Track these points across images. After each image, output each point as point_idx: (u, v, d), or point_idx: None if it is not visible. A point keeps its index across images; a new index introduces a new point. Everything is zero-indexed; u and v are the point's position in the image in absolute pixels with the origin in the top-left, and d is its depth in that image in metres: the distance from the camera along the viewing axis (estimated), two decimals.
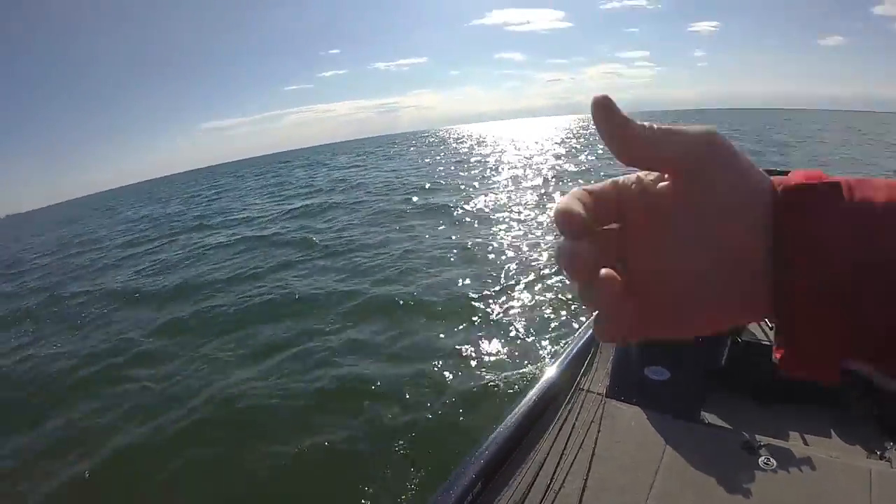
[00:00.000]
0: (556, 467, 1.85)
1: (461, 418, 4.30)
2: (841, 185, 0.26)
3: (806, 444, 1.91)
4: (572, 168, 23.29)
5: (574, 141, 46.29)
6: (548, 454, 1.92)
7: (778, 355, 0.29)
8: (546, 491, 1.74)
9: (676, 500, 1.65)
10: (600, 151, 27.74)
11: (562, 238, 0.27)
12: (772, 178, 0.27)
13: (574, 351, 2.63)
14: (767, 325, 2.30)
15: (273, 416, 4.82)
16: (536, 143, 47.78)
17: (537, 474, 1.83)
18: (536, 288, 7.29)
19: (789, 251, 0.26)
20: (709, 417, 2.23)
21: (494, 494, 1.79)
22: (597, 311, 0.28)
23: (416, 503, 3.36)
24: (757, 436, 1.89)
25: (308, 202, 20.01)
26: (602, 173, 21.99)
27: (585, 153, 30.72)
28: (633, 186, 0.29)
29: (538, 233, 11.02)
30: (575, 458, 1.88)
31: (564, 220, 0.27)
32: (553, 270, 7.98)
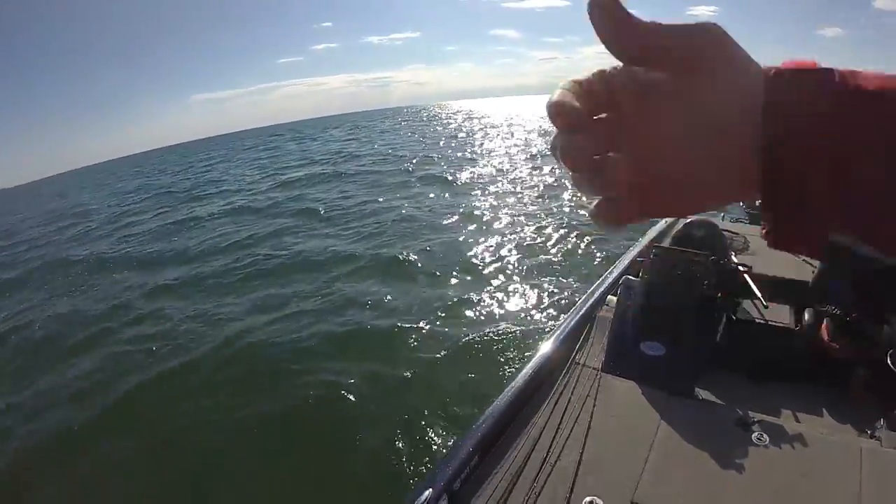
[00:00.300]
0: (552, 441, 1.87)
1: (459, 375, 4.50)
2: (833, 71, 0.27)
3: (798, 421, 1.91)
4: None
5: None
6: (544, 428, 1.95)
7: (764, 232, 0.30)
8: (542, 464, 1.77)
9: (670, 473, 1.68)
10: None
11: (556, 132, 0.28)
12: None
13: (570, 325, 2.65)
14: (762, 303, 2.35)
15: (275, 362, 5.09)
16: (530, 119, 48.10)
17: (533, 448, 1.86)
18: (535, 252, 7.54)
19: (778, 128, 0.26)
20: (703, 394, 2.22)
21: (491, 467, 1.82)
22: (599, 198, 0.30)
23: (412, 453, 3.55)
24: (750, 412, 1.91)
25: (305, 173, 20.08)
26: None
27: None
28: (621, 75, 0.29)
29: (534, 200, 11.33)
30: (571, 432, 1.91)
31: (558, 113, 0.27)
32: (551, 235, 8.18)
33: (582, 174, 0.29)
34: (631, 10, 0.26)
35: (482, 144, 25.79)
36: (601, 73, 0.29)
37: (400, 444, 3.68)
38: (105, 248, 12.31)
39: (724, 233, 3.22)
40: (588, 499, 1.61)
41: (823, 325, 2.30)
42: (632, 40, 0.27)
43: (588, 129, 0.28)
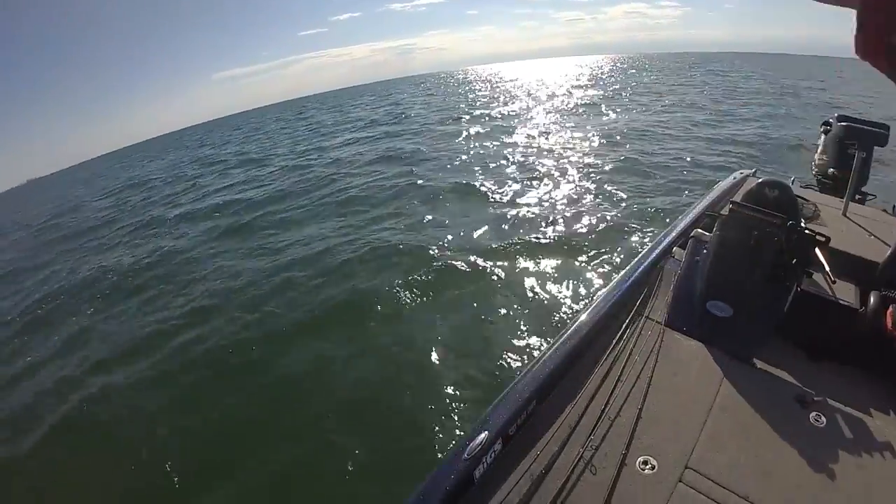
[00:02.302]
0: (611, 394, 1.84)
1: (514, 319, 4.70)
2: None
3: (855, 408, 1.82)
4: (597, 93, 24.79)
5: (603, 75, 46.95)
6: (604, 379, 1.92)
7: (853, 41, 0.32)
8: (600, 417, 1.75)
9: (726, 442, 1.64)
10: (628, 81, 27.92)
11: None
12: None
13: (635, 275, 2.56)
14: (831, 279, 2.20)
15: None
16: (563, 77, 47.97)
17: (592, 398, 1.83)
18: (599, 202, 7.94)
19: None
20: (759, 362, 2.15)
21: (548, 415, 1.79)
22: None
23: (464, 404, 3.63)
24: (809, 391, 1.86)
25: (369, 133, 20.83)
26: (627, 98, 22.42)
27: (613, 85, 32.13)
28: None
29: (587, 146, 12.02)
30: (632, 387, 1.88)
31: None
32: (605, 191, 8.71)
33: None
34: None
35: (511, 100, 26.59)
36: None
37: (460, 391, 3.78)
38: (164, 211, 13.70)
39: (797, 198, 3.04)
40: (643, 458, 1.60)
41: (889, 311, 2.19)
42: None
43: None
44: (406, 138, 17.26)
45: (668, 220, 6.46)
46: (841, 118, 4.20)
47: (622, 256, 5.74)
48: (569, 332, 2.14)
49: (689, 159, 10.28)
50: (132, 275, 8.11)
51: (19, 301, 8.47)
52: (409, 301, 5.30)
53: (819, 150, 4.42)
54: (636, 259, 2.76)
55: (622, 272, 2.64)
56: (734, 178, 4.08)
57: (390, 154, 14.00)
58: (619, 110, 19.27)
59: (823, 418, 1.73)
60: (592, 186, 8.78)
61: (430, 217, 7.92)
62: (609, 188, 8.54)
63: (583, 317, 2.24)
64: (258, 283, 6.39)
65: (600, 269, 5.55)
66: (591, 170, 9.97)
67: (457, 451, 1.58)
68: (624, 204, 7.69)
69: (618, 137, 13.22)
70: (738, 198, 2.86)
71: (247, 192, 12.87)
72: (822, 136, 4.40)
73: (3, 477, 3.94)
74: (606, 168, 9.94)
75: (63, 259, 10.82)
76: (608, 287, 2.51)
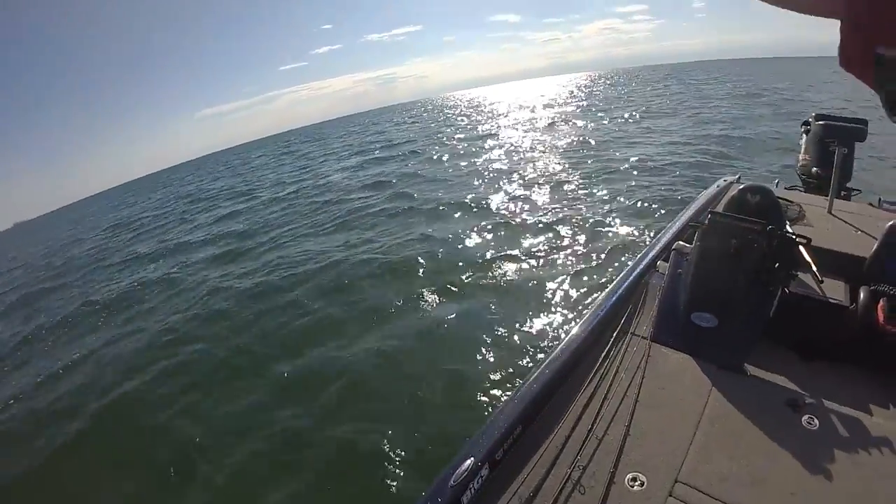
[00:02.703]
0: (598, 413, 1.82)
1: (501, 344, 4.56)
2: None
3: (850, 406, 1.81)
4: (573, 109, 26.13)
5: (577, 91, 49.29)
6: (590, 398, 1.90)
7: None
8: (587, 436, 1.73)
9: (716, 453, 1.62)
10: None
11: None
12: None
13: (620, 291, 2.54)
14: (818, 278, 2.20)
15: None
16: (539, 97, 49.70)
17: (579, 418, 1.81)
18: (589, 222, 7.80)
19: None
20: (751, 368, 2.12)
21: (535, 437, 1.77)
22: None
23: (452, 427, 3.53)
24: (801, 393, 1.85)
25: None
26: (599, 113, 23.55)
27: (585, 100, 34.42)
28: None
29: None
30: (619, 404, 1.86)
31: None
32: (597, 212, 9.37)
33: None
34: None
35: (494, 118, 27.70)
36: None
37: (437, 415, 3.72)
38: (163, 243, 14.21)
39: (780, 200, 3.02)
40: (631, 475, 1.58)
41: (879, 306, 2.19)
42: None
43: None
44: (391, 163, 17.95)
45: (642, 219, 7.01)
46: (819, 117, 4.19)
47: (602, 257, 6.02)
48: (554, 353, 2.15)
49: (650, 164, 11.04)
50: (112, 307, 8.47)
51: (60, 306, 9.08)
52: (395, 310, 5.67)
53: (802, 151, 4.43)
54: (621, 275, 2.76)
55: (607, 289, 2.64)
56: (718, 187, 4.09)
57: (380, 179, 14.52)
58: (591, 124, 20.38)
59: (817, 420, 1.72)
60: (569, 191, 9.57)
61: (422, 232, 8.40)
62: (582, 192, 9.29)
63: (568, 337, 2.26)
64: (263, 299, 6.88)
65: (578, 266, 5.89)
66: (563, 177, 10.76)
67: (442, 478, 1.57)
68: (602, 204, 8.31)
69: (583, 149, 14.27)
70: (721, 205, 2.92)
71: (237, 224, 13.27)
72: (804, 137, 4.41)
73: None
74: (576, 177, 10.72)
75: (59, 294, 11.20)
76: (593, 305, 2.51)
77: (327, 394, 4.23)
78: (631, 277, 2.67)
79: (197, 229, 14.39)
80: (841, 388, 2.06)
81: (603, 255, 6.09)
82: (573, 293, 5.26)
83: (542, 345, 4.37)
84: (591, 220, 7.48)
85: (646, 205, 7.81)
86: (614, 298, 2.50)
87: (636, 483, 1.56)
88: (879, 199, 4.05)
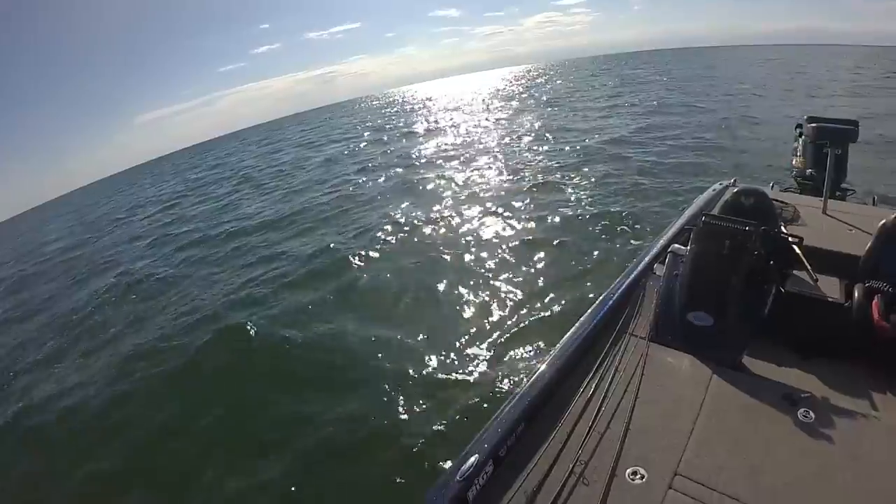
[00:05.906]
0: (599, 410, 1.86)
1: (502, 346, 4.57)
2: None
3: (845, 400, 1.85)
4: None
5: (515, 85, 50.70)
6: (591, 397, 1.94)
7: None
8: (588, 433, 1.77)
9: (714, 447, 1.65)
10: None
11: None
12: None
13: (618, 293, 2.59)
14: (812, 277, 2.26)
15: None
16: (477, 91, 51.40)
17: (580, 416, 1.85)
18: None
19: None
20: (748, 365, 2.18)
21: (538, 434, 1.80)
22: None
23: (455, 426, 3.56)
24: (797, 389, 1.87)
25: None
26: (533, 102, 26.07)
27: (524, 93, 36.64)
28: None
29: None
30: (619, 402, 1.89)
31: None
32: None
33: None
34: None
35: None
36: None
37: (444, 413, 3.75)
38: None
39: (774, 202, 3.12)
40: (632, 469, 1.62)
41: (874, 303, 2.22)
42: None
43: None
44: (332, 155, 19.30)
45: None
46: (811, 119, 4.23)
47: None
48: (554, 353, 2.20)
49: (569, 148, 12.67)
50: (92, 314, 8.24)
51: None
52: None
53: (796, 154, 4.56)
54: (618, 278, 2.83)
55: (604, 292, 2.70)
56: (714, 190, 4.14)
57: (328, 177, 15.34)
58: (528, 114, 22.24)
59: (812, 414, 1.74)
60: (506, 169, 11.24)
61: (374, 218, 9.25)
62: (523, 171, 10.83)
63: (567, 338, 2.32)
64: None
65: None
66: (499, 162, 12.39)
67: (450, 472, 1.64)
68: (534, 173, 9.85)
69: (522, 138, 15.87)
70: (716, 209, 3.01)
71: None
72: (798, 140, 4.53)
73: None
74: (513, 158, 12.34)
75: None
76: (591, 307, 2.56)
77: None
78: (629, 280, 2.75)
79: None
80: (837, 384, 2.12)
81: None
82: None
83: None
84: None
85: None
86: (613, 300, 2.57)
87: (637, 476, 1.60)
88: (874, 198, 4.17)
